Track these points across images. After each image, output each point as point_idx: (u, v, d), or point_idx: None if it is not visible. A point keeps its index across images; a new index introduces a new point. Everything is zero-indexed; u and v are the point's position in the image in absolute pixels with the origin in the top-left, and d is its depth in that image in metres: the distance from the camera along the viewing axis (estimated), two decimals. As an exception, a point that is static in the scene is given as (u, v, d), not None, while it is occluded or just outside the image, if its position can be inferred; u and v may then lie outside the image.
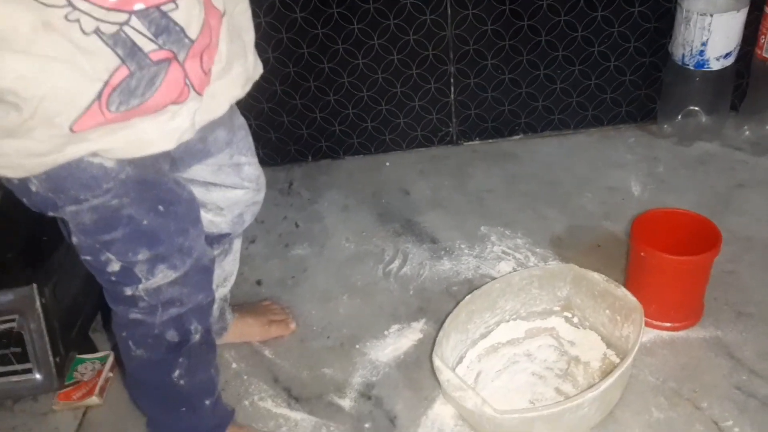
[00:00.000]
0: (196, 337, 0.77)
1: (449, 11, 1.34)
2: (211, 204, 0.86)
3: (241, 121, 0.84)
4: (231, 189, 0.86)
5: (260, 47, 0.73)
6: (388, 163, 1.50)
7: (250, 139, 0.88)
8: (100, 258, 0.70)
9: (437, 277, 1.15)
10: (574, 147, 1.46)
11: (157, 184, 0.69)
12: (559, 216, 1.26)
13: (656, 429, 0.86)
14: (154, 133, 0.64)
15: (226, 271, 0.96)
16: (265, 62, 1.37)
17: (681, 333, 0.99)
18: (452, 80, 1.44)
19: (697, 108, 1.38)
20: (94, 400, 0.97)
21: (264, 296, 1.15)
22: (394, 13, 1.34)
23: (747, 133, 1.36)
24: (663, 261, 0.93)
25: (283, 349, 1.04)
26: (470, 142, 1.52)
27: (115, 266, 0.70)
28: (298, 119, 1.47)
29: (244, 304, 1.09)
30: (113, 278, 0.71)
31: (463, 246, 1.21)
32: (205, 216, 0.85)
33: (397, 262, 1.20)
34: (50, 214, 0.69)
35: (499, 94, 1.46)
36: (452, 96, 1.46)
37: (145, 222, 0.68)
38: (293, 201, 1.41)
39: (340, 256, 1.23)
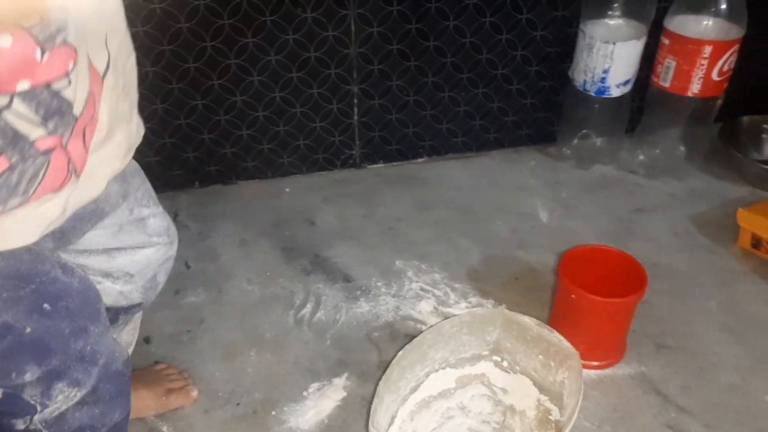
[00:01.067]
0: None
1: (353, 28, 1.25)
2: (118, 272, 0.70)
3: (134, 165, 0.69)
4: (138, 250, 0.71)
5: (139, 61, 0.59)
6: (287, 189, 1.38)
7: (149, 185, 0.73)
8: None
9: (355, 321, 1.06)
10: (478, 170, 1.43)
11: (36, 276, 0.52)
12: (474, 246, 1.22)
13: (599, 481, 0.83)
14: (12, 226, 0.48)
15: (125, 343, 0.80)
16: (144, 77, 1.20)
17: (608, 371, 0.98)
18: (356, 101, 1.34)
19: (593, 131, 1.40)
20: None
21: (155, 357, 0.99)
22: (293, 27, 1.22)
23: (641, 156, 1.41)
24: (593, 303, 0.91)
25: (185, 424, 0.89)
26: (374, 165, 1.44)
27: None
28: (182, 141, 1.31)
29: (133, 372, 0.92)
30: None
31: (379, 284, 1.13)
32: (113, 287, 0.68)
33: (309, 307, 1.08)
34: None
35: (404, 116, 1.39)
36: (356, 117, 1.37)
37: (28, 329, 0.51)
38: (181, 235, 1.21)
39: (243, 302, 1.10)
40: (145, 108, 1.22)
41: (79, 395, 0.55)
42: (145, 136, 0.70)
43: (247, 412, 0.91)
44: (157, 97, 1.23)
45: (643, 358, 1.00)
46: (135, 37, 0.61)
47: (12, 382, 0.52)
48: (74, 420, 0.56)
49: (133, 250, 0.70)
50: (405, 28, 1.27)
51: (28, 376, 0.52)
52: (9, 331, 0.51)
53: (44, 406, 0.54)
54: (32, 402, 0.54)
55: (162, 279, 0.77)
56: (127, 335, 0.79)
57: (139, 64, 0.61)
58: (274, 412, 0.91)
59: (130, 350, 0.81)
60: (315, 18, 1.22)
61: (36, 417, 0.54)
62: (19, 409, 0.53)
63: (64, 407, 0.55)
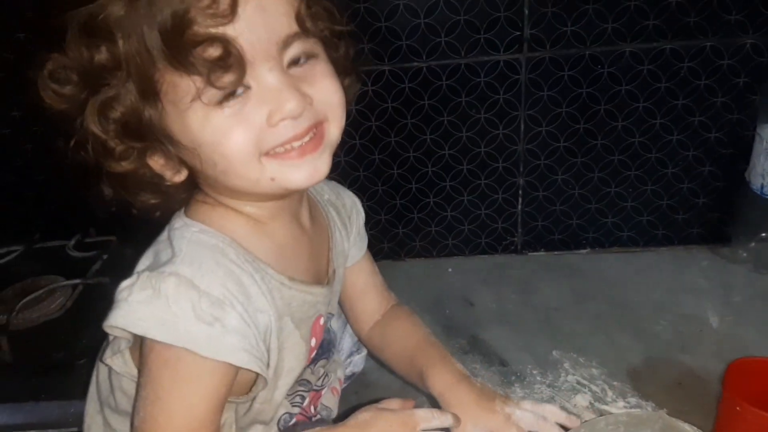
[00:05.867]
0: None
1: (522, 127, 1.35)
2: None
3: None
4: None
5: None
6: (450, 269, 1.48)
7: None
8: None
9: (509, 406, 1.10)
10: (643, 266, 1.42)
11: None
12: (634, 344, 1.21)
13: None
14: None
15: None
16: (337, 164, 1.40)
17: (779, 496, 0.92)
18: (520, 192, 1.43)
19: (773, 235, 1.34)
20: None
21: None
22: (467, 126, 1.35)
23: (829, 265, 1.31)
24: (760, 419, 0.87)
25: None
26: (535, 253, 1.50)
27: None
28: (362, 221, 1.47)
29: None
30: None
31: (534, 372, 1.16)
32: None
33: (465, 385, 1.15)
34: None
35: (568, 208, 1.44)
36: (519, 207, 1.45)
37: None
38: (354, 305, 1.39)
39: (405, 373, 1.19)
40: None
41: None
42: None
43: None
44: (346, 181, 1.42)
45: (823, 488, 0.92)
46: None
47: None
48: None
49: None
50: (573, 128, 1.35)
51: None
52: None
53: None
54: None
55: None
56: None
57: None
58: (426, 482, 0.98)
59: None
60: (487, 118, 1.34)
61: None
62: None
63: None
